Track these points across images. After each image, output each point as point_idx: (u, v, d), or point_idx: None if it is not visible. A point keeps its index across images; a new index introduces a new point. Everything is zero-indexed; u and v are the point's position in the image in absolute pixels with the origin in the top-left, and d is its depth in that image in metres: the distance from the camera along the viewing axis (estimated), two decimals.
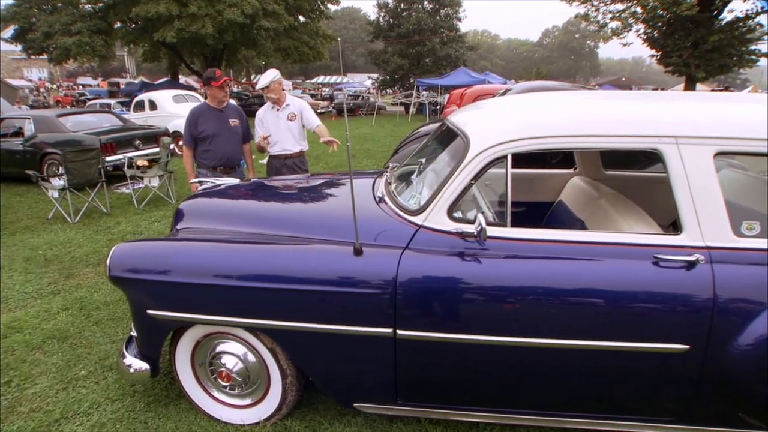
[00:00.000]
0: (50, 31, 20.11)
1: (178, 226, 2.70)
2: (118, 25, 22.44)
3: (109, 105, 17.69)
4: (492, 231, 1.97)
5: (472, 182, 2.02)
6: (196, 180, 3.46)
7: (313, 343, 2.14)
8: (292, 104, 4.19)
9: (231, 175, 4.17)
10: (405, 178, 2.64)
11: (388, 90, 37.03)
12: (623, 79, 57.67)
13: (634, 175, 3.28)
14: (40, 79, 39.50)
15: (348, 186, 2.98)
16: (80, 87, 34.51)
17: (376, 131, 17.04)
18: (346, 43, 70.67)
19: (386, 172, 2.95)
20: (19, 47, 22.36)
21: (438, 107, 21.24)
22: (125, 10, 20.32)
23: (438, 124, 3.21)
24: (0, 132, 8.05)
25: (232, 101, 4.79)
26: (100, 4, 21.93)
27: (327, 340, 2.11)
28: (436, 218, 2.05)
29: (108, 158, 7.16)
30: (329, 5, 27.30)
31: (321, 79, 55.61)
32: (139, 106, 12.80)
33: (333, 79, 54.80)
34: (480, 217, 1.91)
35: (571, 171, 3.39)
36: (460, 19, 35.83)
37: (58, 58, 21.19)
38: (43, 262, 4.60)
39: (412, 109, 24.51)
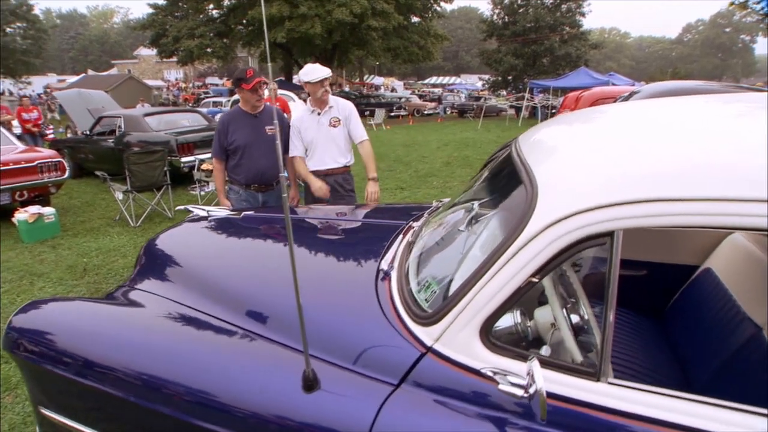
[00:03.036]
0: (179, 35, 21.76)
1: (135, 274, 2.02)
2: (239, 28, 23.69)
3: (220, 103, 18.58)
4: (567, 386, 0.96)
5: (534, 280, 1.01)
6: (182, 207, 2.76)
7: None
8: (336, 106, 3.35)
9: (267, 193, 3.48)
10: (441, 235, 1.65)
11: (501, 92, 34.98)
12: None
13: None
14: (176, 80, 43.80)
15: (366, 241, 2.08)
16: (207, 86, 37.52)
17: (480, 136, 15.74)
18: (461, 44, 69.28)
19: (430, 211, 1.99)
20: (155, 51, 24.61)
21: (553, 111, 19.28)
22: (243, 14, 21.32)
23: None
24: (98, 130, 8.31)
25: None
26: (224, 10, 23.37)
27: None
28: (459, 340, 1.08)
29: (183, 159, 6.96)
30: (443, 4, 26.36)
31: (433, 80, 54.96)
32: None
33: (446, 80, 53.80)
34: (535, 364, 0.91)
35: None
36: (583, 15, 32.63)
37: (183, 60, 22.92)
38: (81, 272, 4.30)
39: (523, 113, 22.59)
